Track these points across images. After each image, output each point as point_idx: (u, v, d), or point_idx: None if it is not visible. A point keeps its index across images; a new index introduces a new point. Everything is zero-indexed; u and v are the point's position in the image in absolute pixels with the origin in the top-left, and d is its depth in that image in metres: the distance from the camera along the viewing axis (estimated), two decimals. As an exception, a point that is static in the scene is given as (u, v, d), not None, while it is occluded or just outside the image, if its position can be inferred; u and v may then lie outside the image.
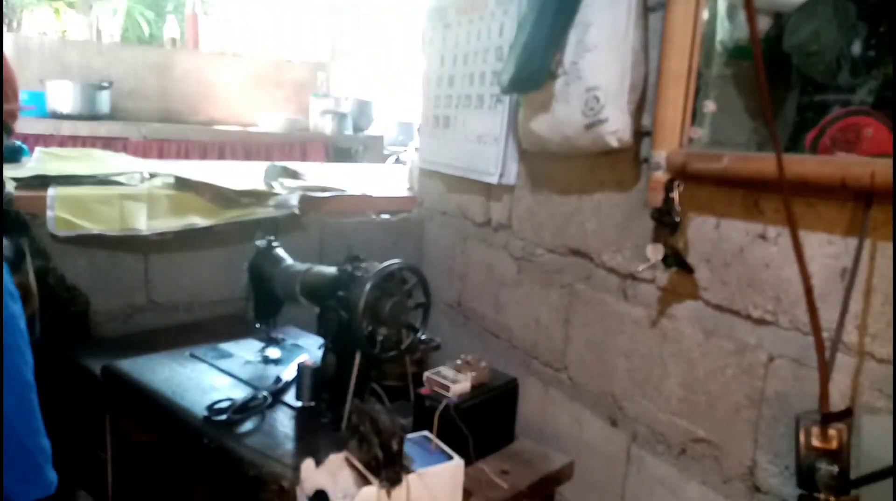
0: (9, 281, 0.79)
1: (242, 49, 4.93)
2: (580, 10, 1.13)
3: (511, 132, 1.47)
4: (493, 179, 1.52)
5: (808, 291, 0.83)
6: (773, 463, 0.96)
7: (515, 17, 1.40)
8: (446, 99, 1.71)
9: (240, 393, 1.23)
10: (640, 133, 1.16)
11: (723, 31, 1.11)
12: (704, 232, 1.06)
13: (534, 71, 1.18)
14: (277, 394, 1.21)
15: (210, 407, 1.13)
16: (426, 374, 1.16)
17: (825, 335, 0.84)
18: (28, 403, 0.80)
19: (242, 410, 1.13)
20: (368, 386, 1.19)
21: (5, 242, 1.34)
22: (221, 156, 3.78)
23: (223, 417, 1.11)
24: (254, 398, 1.17)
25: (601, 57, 1.11)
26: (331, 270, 1.21)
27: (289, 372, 1.28)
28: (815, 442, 0.83)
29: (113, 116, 3.78)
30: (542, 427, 1.44)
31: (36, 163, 1.89)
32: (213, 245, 1.70)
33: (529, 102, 1.29)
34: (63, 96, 3.53)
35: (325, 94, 4.37)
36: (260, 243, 1.41)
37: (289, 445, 1.08)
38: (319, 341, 1.34)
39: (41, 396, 0.94)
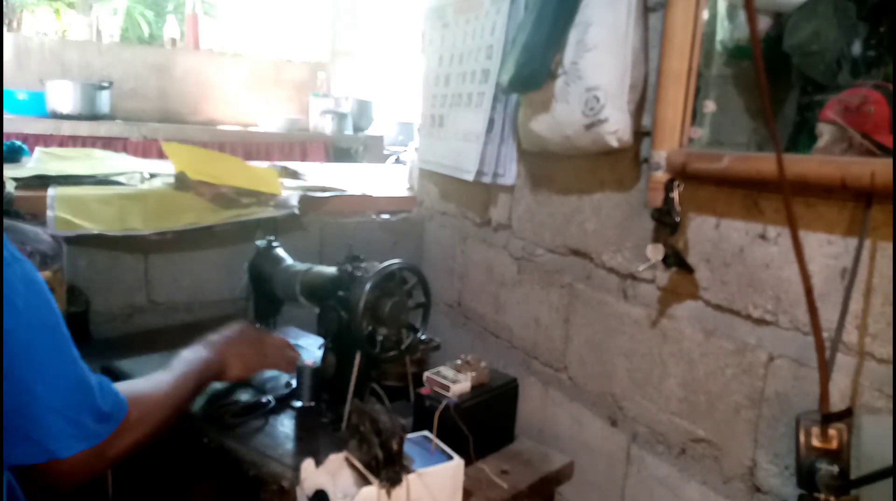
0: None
1: (242, 49, 4.94)
2: (580, 10, 1.13)
3: (510, 131, 1.46)
4: (470, 177, 1.52)
5: (808, 291, 0.83)
6: (774, 463, 0.96)
7: (507, 16, 1.40)
8: (441, 98, 1.72)
9: (240, 393, 1.23)
10: (640, 133, 1.16)
11: (723, 31, 1.11)
12: (704, 232, 1.06)
13: (534, 71, 1.18)
14: (284, 399, 1.21)
15: (213, 409, 1.13)
16: (426, 374, 1.16)
17: (825, 335, 0.84)
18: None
19: (244, 413, 1.13)
20: (368, 386, 1.19)
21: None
22: (221, 156, 3.77)
23: (223, 419, 1.11)
24: (258, 402, 1.17)
25: (601, 57, 1.11)
26: (331, 270, 1.21)
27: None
28: (815, 442, 0.83)
29: (113, 116, 3.78)
30: (542, 427, 1.44)
31: (36, 163, 1.89)
32: (213, 245, 1.70)
33: (529, 102, 1.29)
34: (63, 96, 3.53)
35: (325, 94, 4.38)
36: (260, 243, 1.41)
37: (289, 445, 1.08)
38: (319, 341, 1.34)
39: None
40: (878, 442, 0.80)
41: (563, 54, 1.16)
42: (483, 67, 1.50)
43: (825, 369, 0.84)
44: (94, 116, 3.59)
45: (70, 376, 0.79)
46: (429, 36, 1.80)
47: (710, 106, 1.08)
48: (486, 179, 1.53)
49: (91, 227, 1.50)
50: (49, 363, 0.77)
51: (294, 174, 2.00)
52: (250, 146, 3.85)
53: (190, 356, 1.08)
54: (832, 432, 0.83)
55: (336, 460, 0.94)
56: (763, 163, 0.87)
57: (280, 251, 1.39)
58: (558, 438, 1.40)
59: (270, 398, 1.19)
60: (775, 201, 0.94)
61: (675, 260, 1.06)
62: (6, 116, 3.45)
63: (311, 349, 1.43)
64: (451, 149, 1.65)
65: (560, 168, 1.37)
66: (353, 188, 1.93)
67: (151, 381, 0.98)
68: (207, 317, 1.73)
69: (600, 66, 1.11)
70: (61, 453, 0.78)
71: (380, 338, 1.12)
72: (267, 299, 1.40)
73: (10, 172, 1.62)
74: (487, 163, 1.52)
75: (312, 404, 1.19)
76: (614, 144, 1.13)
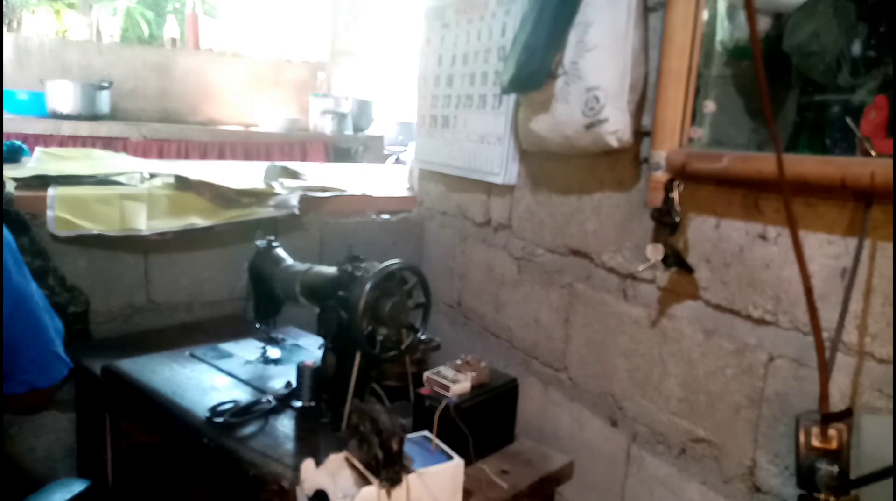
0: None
1: (242, 49, 4.93)
2: (580, 10, 1.13)
3: (512, 132, 1.46)
4: (499, 180, 1.52)
5: (808, 291, 0.83)
6: (774, 463, 0.96)
7: (517, 17, 1.40)
8: (445, 99, 1.71)
9: (240, 393, 1.23)
10: (640, 133, 1.16)
11: (723, 31, 1.11)
12: (704, 232, 1.06)
13: (534, 71, 1.18)
14: (284, 399, 1.21)
15: (212, 409, 1.13)
16: (426, 374, 1.16)
17: (825, 335, 0.84)
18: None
19: (244, 413, 1.13)
20: (368, 386, 1.19)
21: None
22: (221, 156, 3.78)
23: (221, 419, 1.11)
24: (258, 402, 1.17)
25: (601, 57, 1.11)
26: (331, 270, 1.21)
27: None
28: (815, 442, 0.83)
29: (113, 116, 3.78)
30: (542, 427, 1.44)
31: (36, 163, 1.89)
32: (213, 245, 1.70)
33: (529, 101, 1.29)
34: (63, 96, 3.53)
35: (325, 94, 4.38)
36: (260, 243, 1.41)
37: (289, 445, 1.08)
38: (319, 341, 1.34)
39: None
40: (878, 442, 0.80)
41: (563, 54, 1.16)
42: (496, 69, 1.50)
43: (825, 369, 0.84)
44: (94, 116, 3.59)
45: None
46: (427, 36, 1.79)
47: (710, 106, 1.08)
48: (501, 180, 1.52)
49: (91, 227, 1.50)
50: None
51: (294, 174, 2.00)
52: (250, 146, 3.85)
53: None
54: (832, 432, 0.83)
55: (336, 460, 0.94)
56: (763, 163, 0.87)
57: (280, 251, 1.39)
58: (558, 438, 1.40)
59: (270, 398, 1.19)
60: (775, 201, 0.94)
61: (675, 260, 1.06)
62: (6, 116, 3.44)
63: (311, 349, 1.43)
64: (465, 151, 1.64)
65: (560, 168, 1.37)
66: (353, 188, 1.92)
67: None
68: (207, 317, 1.73)
69: (600, 66, 1.11)
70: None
71: (380, 338, 1.12)
72: (267, 299, 1.39)
73: (10, 172, 1.61)
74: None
75: (312, 404, 1.19)
76: (614, 144, 1.13)
